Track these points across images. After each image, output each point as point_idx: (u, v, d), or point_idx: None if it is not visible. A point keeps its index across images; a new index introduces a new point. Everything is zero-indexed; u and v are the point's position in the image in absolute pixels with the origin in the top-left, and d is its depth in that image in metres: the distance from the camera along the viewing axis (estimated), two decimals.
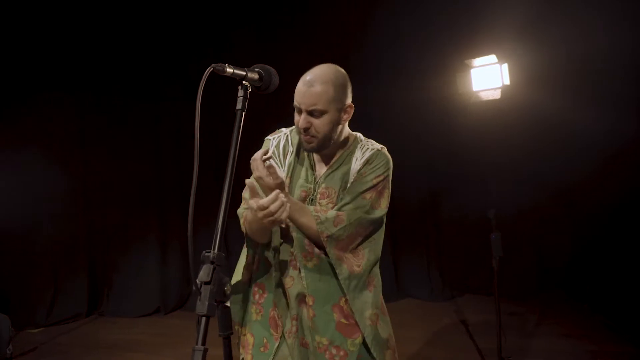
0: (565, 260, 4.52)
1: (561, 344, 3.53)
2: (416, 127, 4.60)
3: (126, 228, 4.85)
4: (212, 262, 0.99)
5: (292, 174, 1.58)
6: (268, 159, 1.43)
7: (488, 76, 3.09)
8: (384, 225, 1.60)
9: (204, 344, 0.93)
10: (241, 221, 1.53)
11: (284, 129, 1.67)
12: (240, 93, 1.19)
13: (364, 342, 1.51)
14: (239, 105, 1.18)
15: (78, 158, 4.80)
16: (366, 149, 1.59)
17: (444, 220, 4.80)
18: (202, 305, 0.95)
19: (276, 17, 4.66)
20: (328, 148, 1.54)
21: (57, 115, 4.69)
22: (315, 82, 1.46)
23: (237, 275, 1.57)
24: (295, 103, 1.48)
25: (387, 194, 1.59)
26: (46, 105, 4.63)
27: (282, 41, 4.53)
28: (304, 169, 1.58)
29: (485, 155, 4.43)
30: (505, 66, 3.02)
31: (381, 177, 1.55)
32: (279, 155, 1.61)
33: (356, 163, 1.56)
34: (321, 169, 1.58)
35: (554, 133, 4.11)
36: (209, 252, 1.00)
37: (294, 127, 1.63)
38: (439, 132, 4.56)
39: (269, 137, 1.66)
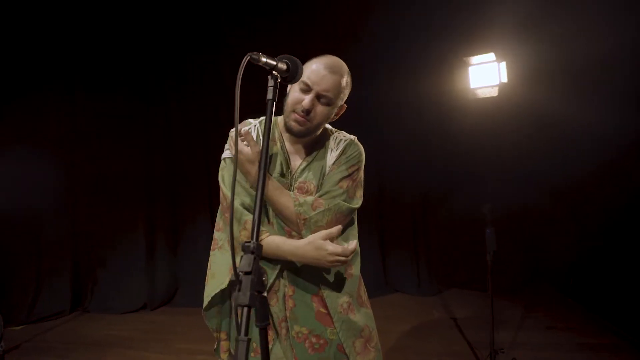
0: (551, 255, 4.62)
1: (548, 337, 3.62)
2: (411, 123, 4.63)
3: (112, 224, 4.75)
4: (252, 253, 0.98)
5: (267, 168, 1.52)
6: (243, 134, 1.44)
7: (486, 74, 3.13)
8: (356, 221, 1.60)
9: (247, 334, 0.92)
10: (266, 249, 1.42)
11: (251, 121, 1.59)
12: (271, 83, 1.17)
13: None
14: (269, 96, 1.16)
15: (64, 153, 4.68)
16: (340, 140, 1.59)
17: (434, 216, 4.86)
18: (243, 296, 0.94)
19: (271, 13, 4.61)
20: (309, 138, 1.53)
21: (43, 112, 4.57)
22: (335, 70, 1.46)
23: (218, 284, 1.50)
24: (307, 81, 1.43)
25: (361, 183, 1.59)
26: (33, 103, 4.51)
27: (277, 37, 4.49)
28: (278, 163, 1.53)
29: (479, 152, 4.49)
30: (503, 64, 3.07)
31: (356, 167, 1.55)
32: None
33: (331, 154, 1.56)
34: (296, 162, 1.55)
35: (550, 131, 4.18)
36: (249, 242, 0.99)
37: (262, 118, 1.59)
38: (433, 127, 4.60)
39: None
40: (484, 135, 4.35)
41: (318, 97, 1.45)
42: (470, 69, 3.21)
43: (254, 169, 1.43)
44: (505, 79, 3.11)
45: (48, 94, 4.58)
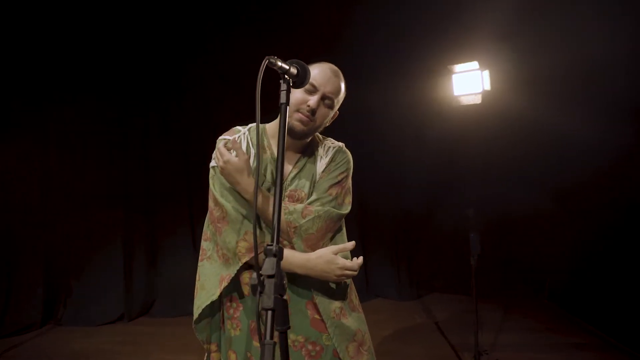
0: (530, 258, 4.74)
1: (528, 338, 3.72)
2: (394, 129, 4.69)
3: (88, 232, 4.59)
4: (274, 255, 0.98)
5: (270, 177, 1.51)
6: (230, 144, 1.44)
7: (469, 81, 3.22)
8: (344, 227, 1.61)
9: (272, 338, 0.91)
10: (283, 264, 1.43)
11: (240, 128, 1.56)
12: (283, 87, 1.17)
13: None
14: (282, 99, 1.16)
15: (37, 162, 4.51)
16: (328, 147, 1.60)
17: (414, 223, 4.92)
18: (267, 299, 0.93)
19: (254, 23, 4.59)
20: (305, 140, 1.54)
21: (19, 122, 4.41)
22: (339, 76, 1.52)
23: (208, 295, 1.47)
24: (314, 83, 1.45)
25: (350, 190, 1.61)
26: (6, 113, 4.35)
27: (262, 42, 4.47)
28: (269, 172, 1.52)
29: (463, 158, 4.57)
30: (486, 72, 3.17)
31: (344, 174, 1.57)
32: None
33: (321, 161, 1.57)
34: (286, 169, 1.55)
35: (533, 137, 4.28)
36: (271, 245, 0.98)
37: (250, 125, 1.58)
38: (416, 134, 4.67)
39: (223, 137, 1.53)
40: (468, 142, 4.43)
41: (323, 98, 1.47)
42: (454, 77, 3.29)
43: (242, 179, 1.41)
44: (488, 87, 3.21)
45: (20, 103, 4.40)
